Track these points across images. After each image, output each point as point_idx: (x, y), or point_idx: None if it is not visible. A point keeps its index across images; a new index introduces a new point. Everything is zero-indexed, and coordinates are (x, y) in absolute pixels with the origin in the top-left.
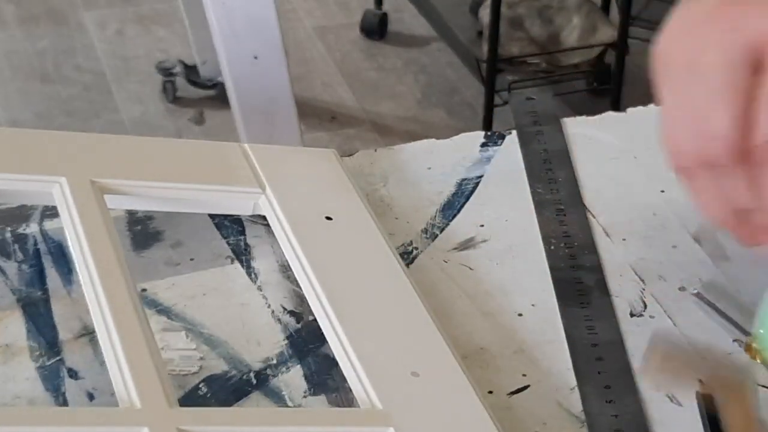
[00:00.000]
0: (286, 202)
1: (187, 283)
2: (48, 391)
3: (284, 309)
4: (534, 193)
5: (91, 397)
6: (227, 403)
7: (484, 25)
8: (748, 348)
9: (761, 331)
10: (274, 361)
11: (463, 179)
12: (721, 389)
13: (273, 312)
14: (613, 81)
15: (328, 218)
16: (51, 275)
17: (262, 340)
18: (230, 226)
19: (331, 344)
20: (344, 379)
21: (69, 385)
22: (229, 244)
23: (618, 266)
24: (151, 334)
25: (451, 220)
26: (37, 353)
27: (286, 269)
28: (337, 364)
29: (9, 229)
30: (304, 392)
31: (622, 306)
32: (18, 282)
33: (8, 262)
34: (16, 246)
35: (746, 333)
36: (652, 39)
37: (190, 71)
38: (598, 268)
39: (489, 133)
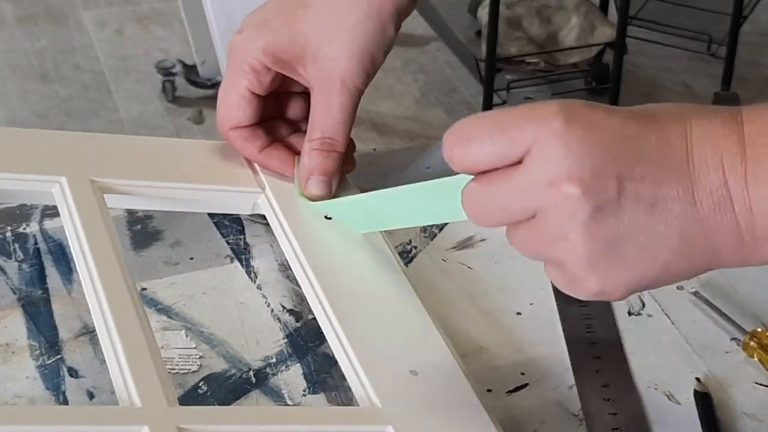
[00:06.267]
0: (286, 202)
1: (187, 282)
2: (48, 390)
3: (283, 308)
4: None
5: (91, 395)
6: (227, 401)
7: (483, 25)
8: (745, 346)
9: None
10: (274, 360)
11: None
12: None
13: (272, 311)
14: (611, 80)
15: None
16: (51, 274)
17: (261, 338)
18: (230, 225)
19: (330, 343)
20: (343, 378)
21: (69, 384)
22: (228, 243)
23: None
24: (151, 333)
25: None
26: (38, 352)
27: (285, 268)
28: (336, 362)
29: (9, 228)
30: (304, 391)
31: (620, 305)
32: (18, 281)
33: (8, 261)
34: (17, 245)
35: (744, 331)
36: (651, 38)
37: (190, 71)
38: None
39: None
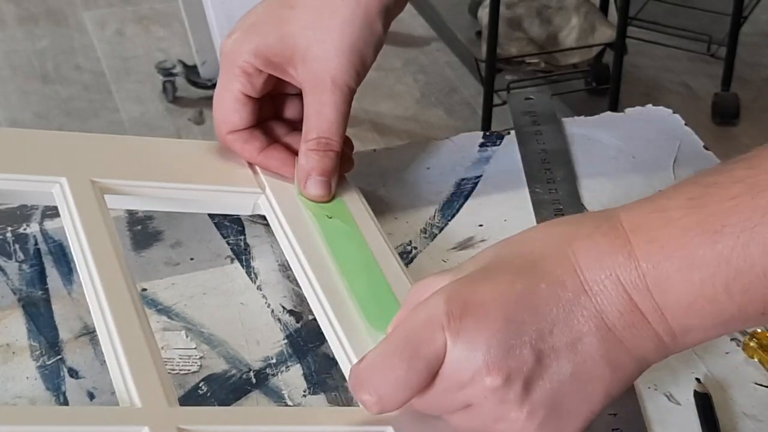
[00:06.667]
0: (286, 202)
1: (187, 283)
2: (48, 391)
3: (284, 308)
4: (532, 193)
5: (91, 396)
6: (227, 402)
7: (483, 25)
8: (745, 347)
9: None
10: (274, 360)
11: (462, 179)
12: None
13: (272, 311)
14: (611, 81)
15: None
16: (51, 275)
17: (261, 339)
18: (230, 225)
19: (330, 343)
20: (343, 378)
21: (69, 385)
22: (228, 243)
23: None
24: (152, 333)
25: (450, 220)
26: (38, 353)
27: (285, 269)
28: (336, 363)
29: (10, 228)
30: (304, 391)
31: None
32: (19, 282)
33: (9, 261)
34: (17, 246)
35: (744, 332)
36: (651, 39)
37: (190, 71)
38: None
39: (488, 133)
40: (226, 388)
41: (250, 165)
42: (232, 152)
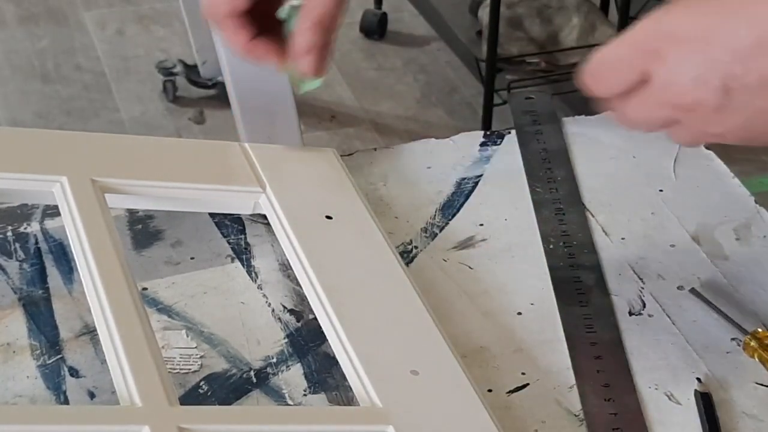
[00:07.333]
0: (287, 202)
1: (188, 282)
2: (49, 390)
3: (284, 308)
4: (533, 193)
5: (92, 395)
6: (227, 401)
7: (484, 25)
8: (746, 346)
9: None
10: (274, 360)
11: (463, 178)
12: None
13: (273, 311)
14: None
15: (328, 217)
16: (52, 274)
17: (262, 338)
18: (230, 225)
19: (331, 343)
20: (344, 378)
21: (70, 384)
22: (229, 243)
23: (617, 265)
24: (152, 332)
25: (450, 220)
26: (38, 352)
27: (286, 268)
28: (336, 362)
29: (10, 228)
30: (304, 391)
31: (620, 305)
32: (19, 281)
33: (9, 261)
34: (17, 245)
35: (744, 332)
36: None
37: (191, 71)
38: (597, 267)
39: (488, 133)
40: (226, 388)
41: (250, 164)
42: (233, 151)
